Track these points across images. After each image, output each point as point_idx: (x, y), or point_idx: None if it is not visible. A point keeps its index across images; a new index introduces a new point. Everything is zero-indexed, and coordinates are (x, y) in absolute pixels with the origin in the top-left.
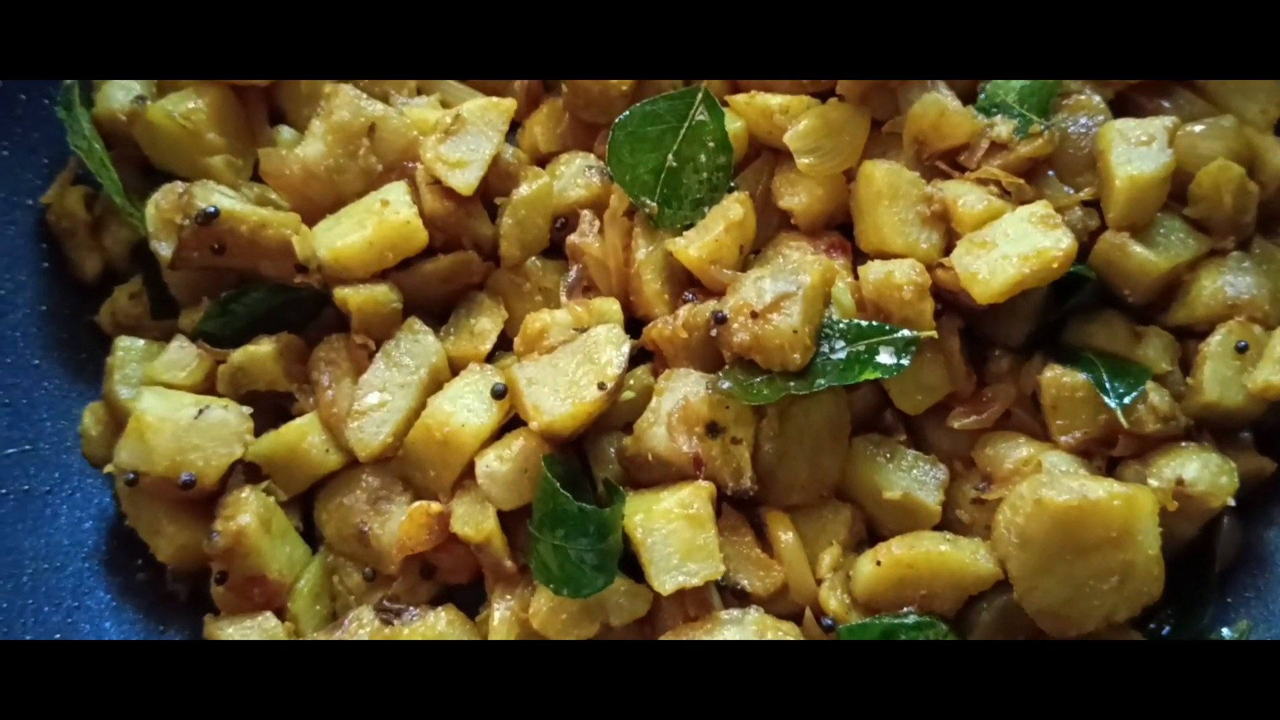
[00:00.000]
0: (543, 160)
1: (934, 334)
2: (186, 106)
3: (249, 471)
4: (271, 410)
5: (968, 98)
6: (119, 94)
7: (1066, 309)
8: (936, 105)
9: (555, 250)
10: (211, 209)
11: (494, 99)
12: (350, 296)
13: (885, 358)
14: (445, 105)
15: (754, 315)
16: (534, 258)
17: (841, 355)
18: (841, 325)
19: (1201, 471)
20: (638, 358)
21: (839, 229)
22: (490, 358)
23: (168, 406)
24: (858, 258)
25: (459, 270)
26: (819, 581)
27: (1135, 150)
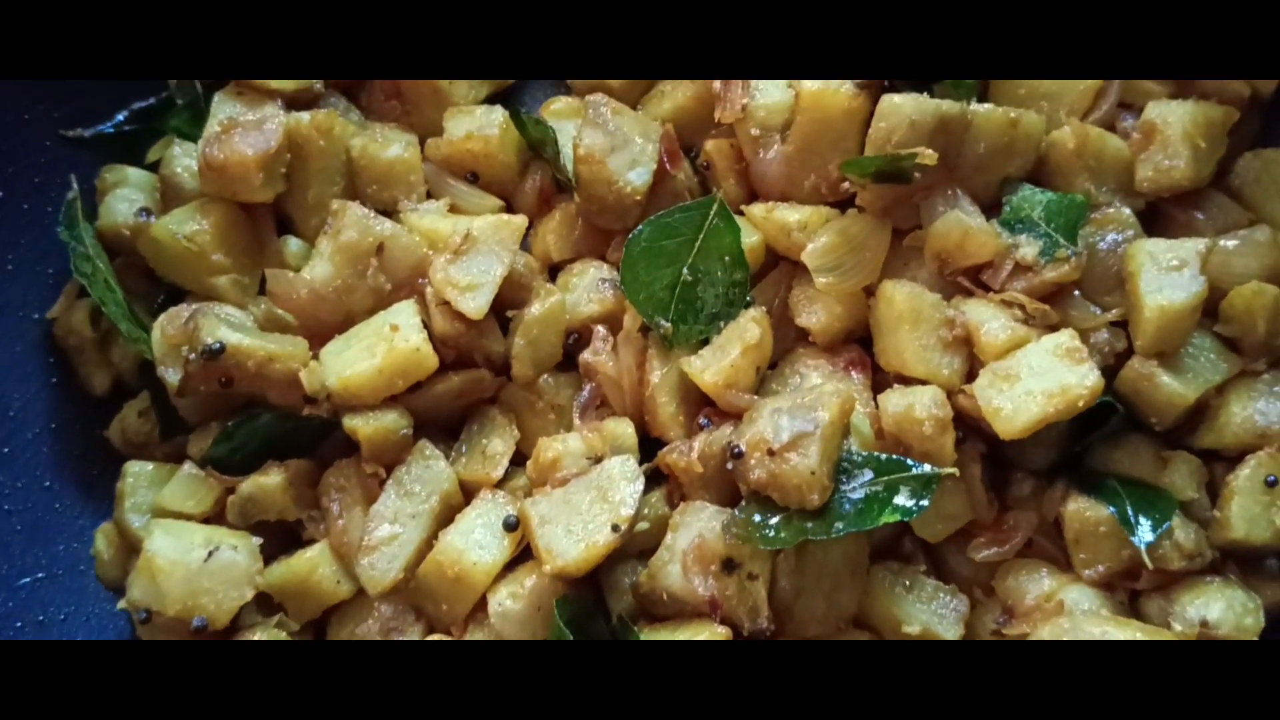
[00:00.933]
0: (555, 269)
1: (955, 472)
2: (191, 227)
3: (261, 600)
4: (282, 534)
5: (990, 208)
6: (122, 206)
7: (1092, 437)
8: (960, 225)
9: (568, 361)
10: (217, 345)
11: (504, 216)
12: (360, 428)
13: (904, 499)
14: (455, 210)
15: (771, 453)
16: (546, 375)
17: (860, 495)
18: (859, 457)
19: (1226, 612)
20: (653, 478)
21: (857, 342)
22: (503, 482)
23: (178, 548)
24: (876, 373)
25: (470, 388)
26: None
27: (1166, 276)
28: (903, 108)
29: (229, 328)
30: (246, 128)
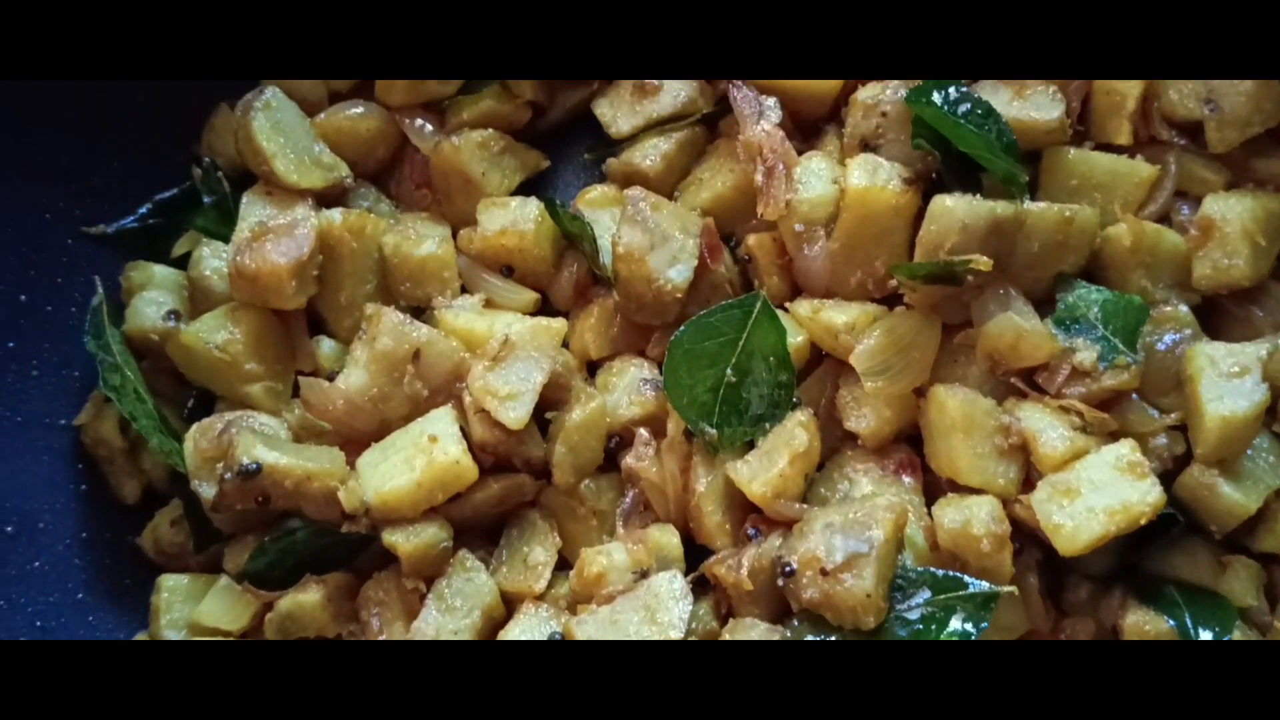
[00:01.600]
0: (593, 365)
1: (1014, 590)
2: (222, 336)
3: None
4: None
5: (1044, 303)
6: (149, 310)
7: (1151, 545)
8: (1013, 327)
9: (610, 462)
10: (254, 465)
11: (543, 321)
12: (400, 544)
13: (961, 623)
14: (490, 305)
15: (824, 573)
16: (587, 479)
17: (916, 615)
18: (915, 574)
19: None
20: (699, 580)
21: (907, 440)
22: (544, 594)
23: None
24: (927, 472)
25: (511, 494)
26: None
27: (1227, 384)
28: (954, 211)
29: (264, 445)
30: (278, 233)
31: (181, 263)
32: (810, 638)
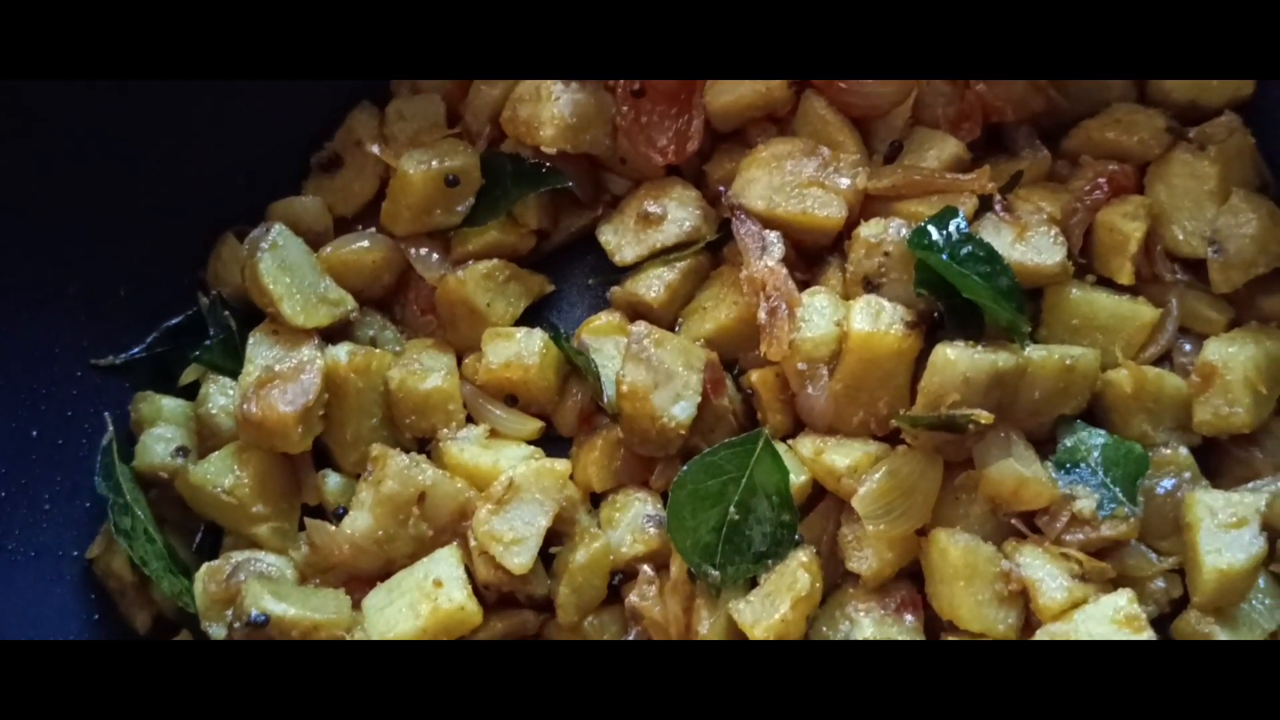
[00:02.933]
0: (597, 498)
1: None
2: (229, 481)
3: None
4: None
5: (1044, 444)
6: (158, 447)
7: None
8: (1015, 474)
9: (613, 594)
10: (261, 617)
11: (547, 463)
12: None
13: None
14: (494, 436)
15: None
16: (591, 616)
17: None
18: None
19: None
20: None
21: (908, 576)
22: None
23: None
24: (927, 610)
25: (514, 632)
26: None
27: (1226, 535)
28: (957, 364)
29: (272, 596)
30: (284, 379)
31: (189, 391)
32: None
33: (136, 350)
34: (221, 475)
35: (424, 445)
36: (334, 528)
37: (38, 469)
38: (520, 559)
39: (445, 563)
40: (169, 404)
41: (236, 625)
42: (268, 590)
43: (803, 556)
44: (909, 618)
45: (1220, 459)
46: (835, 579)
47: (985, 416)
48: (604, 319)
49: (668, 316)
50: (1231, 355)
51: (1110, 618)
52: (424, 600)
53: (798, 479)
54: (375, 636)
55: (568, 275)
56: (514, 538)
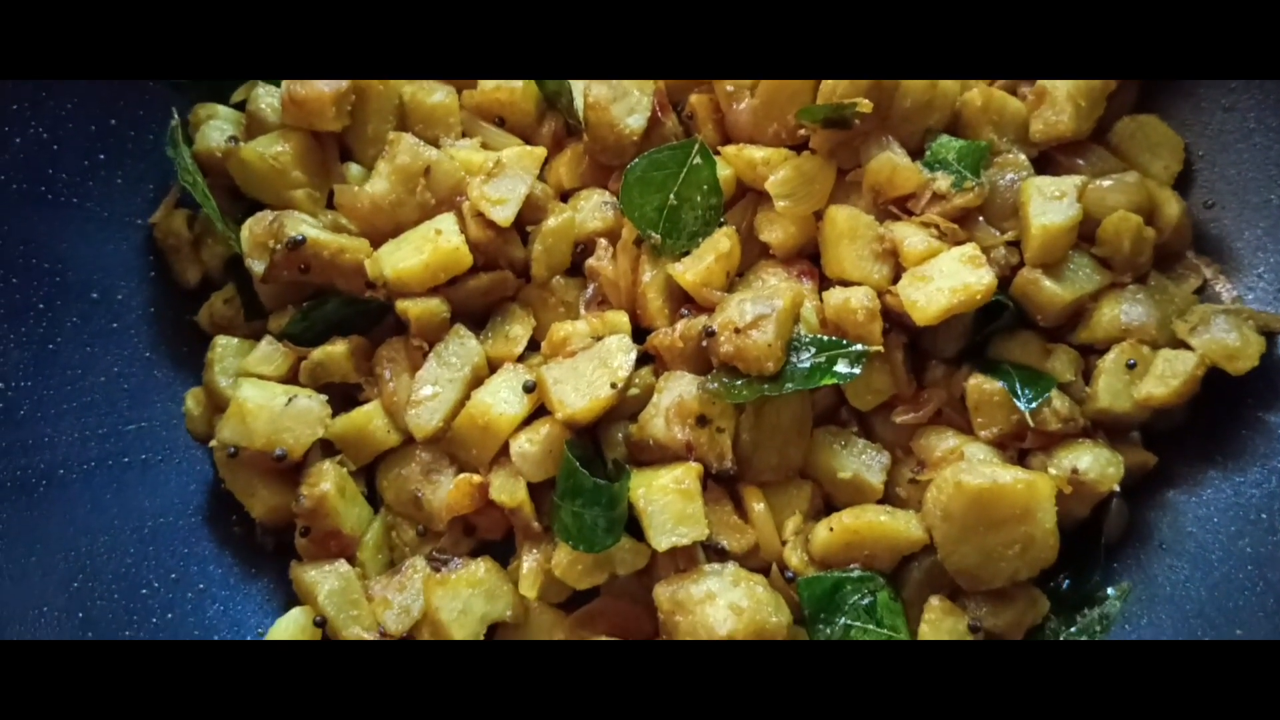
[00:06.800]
0: (566, 194)
1: (881, 349)
2: (275, 149)
3: (325, 447)
4: (342, 398)
5: (915, 153)
6: (215, 134)
7: (990, 330)
8: (890, 162)
9: (575, 270)
10: (300, 237)
11: (528, 147)
12: (410, 308)
13: (842, 368)
14: (486, 147)
15: (737, 331)
16: (558, 277)
17: (806, 364)
18: (807, 339)
19: (1093, 463)
20: (642, 360)
21: (809, 257)
22: (521, 359)
23: (264, 395)
24: (823, 282)
25: (497, 286)
26: (784, 543)
27: (1050, 204)
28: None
29: (308, 225)
30: None
31: (240, 107)
32: (725, 382)
33: None
34: (269, 146)
35: None
36: (356, 188)
37: (114, 153)
38: (505, 212)
39: (445, 221)
40: (224, 109)
41: (277, 248)
42: (304, 222)
43: (726, 230)
44: (806, 281)
45: (1051, 168)
46: (751, 259)
47: (865, 104)
48: None
49: None
50: (1058, 81)
51: (958, 258)
52: (427, 243)
53: (724, 172)
54: (388, 270)
55: None
56: (500, 198)
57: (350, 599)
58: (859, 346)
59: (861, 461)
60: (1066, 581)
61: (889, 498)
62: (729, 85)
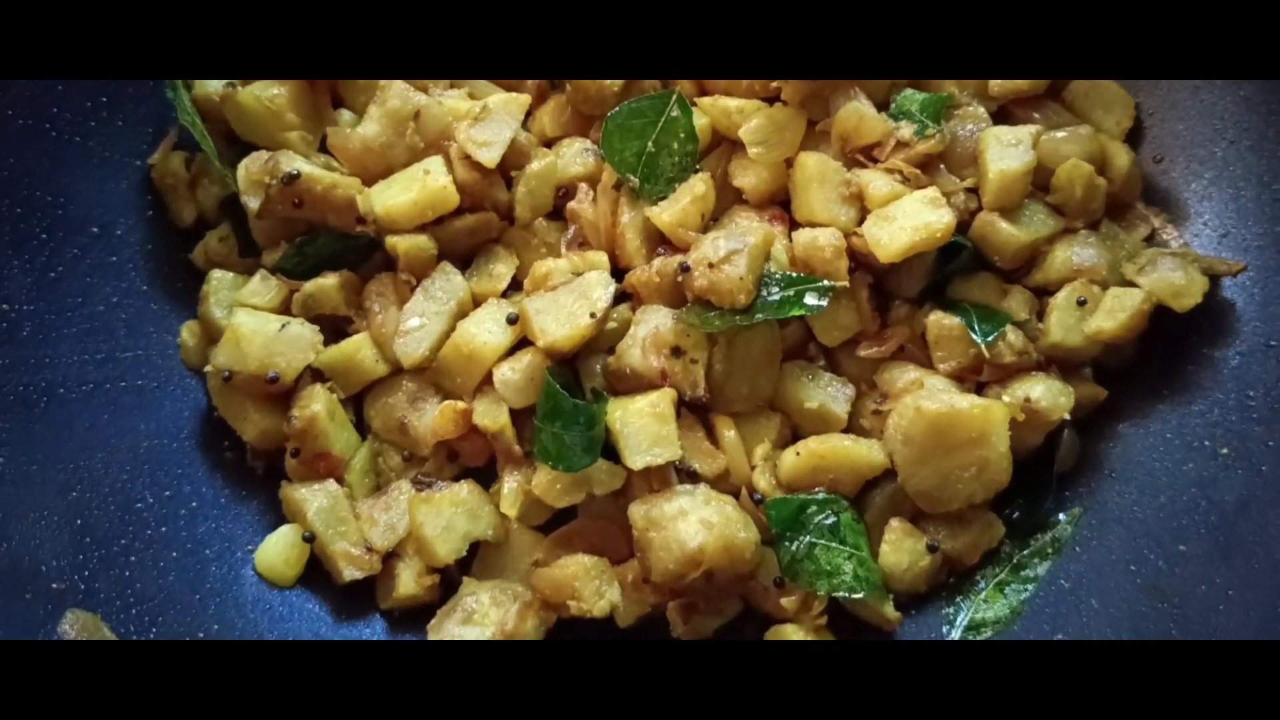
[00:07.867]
0: (549, 142)
1: (847, 284)
2: (271, 93)
3: (315, 375)
4: (333, 330)
5: (882, 106)
6: (213, 80)
7: (950, 269)
8: (857, 112)
9: (557, 213)
10: (294, 171)
11: (513, 94)
12: (399, 243)
13: (810, 299)
14: (473, 97)
15: (710, 266)
16: (541, 219)
17: (776, 298)
18: (777, 275)
19: (1045, 392)
20: (620, 298)
21: (780, 204)
22: (504, 297)
23: (257, 321)
24: (793, 226)
25: (482, 227)
26: (753, 468)
27: (1006, 150)
28: None
29: (302, 161)
30: None
31: None
32: (698, 314)
33: None
34: (264, 90)
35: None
36: (348, 130)
37: (115, 94)
38: (490, 154)
39: (433, 163)
40: None
41: (272, 183)
42: (298, 158)
43: (701, 176)
44: (777, 225)
45: (1009, 121)
46: (726, 206)
47: None
48: None
49: None
50: None
51: (919, 200)
52: (415, 182)
53: (700, 121)
54: (378, 208)
55: None
56: (485, 140)
57: (338, 516)
58: (826, 282)
59: (827, 393)
60: (1021, 508)
61: (853, 428)
62: None
